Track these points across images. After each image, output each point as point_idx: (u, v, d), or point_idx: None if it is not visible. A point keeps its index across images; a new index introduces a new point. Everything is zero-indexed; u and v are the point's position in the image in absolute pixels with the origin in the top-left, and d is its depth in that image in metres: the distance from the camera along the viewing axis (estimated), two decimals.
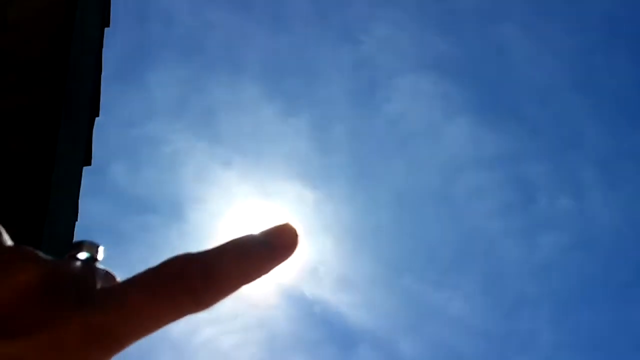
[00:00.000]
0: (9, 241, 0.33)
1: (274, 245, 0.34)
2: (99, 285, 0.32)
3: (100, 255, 0.35)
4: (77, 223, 3.59)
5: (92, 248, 0.35)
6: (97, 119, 3.65)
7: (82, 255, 0.34)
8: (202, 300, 0.31)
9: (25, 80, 3.35)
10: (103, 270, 0.34)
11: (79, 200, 3.51)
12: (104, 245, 0.36)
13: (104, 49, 3.66)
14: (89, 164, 3.39)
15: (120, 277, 0.34)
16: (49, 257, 0.32)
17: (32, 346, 0.28)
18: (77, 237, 3.53)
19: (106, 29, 3.72)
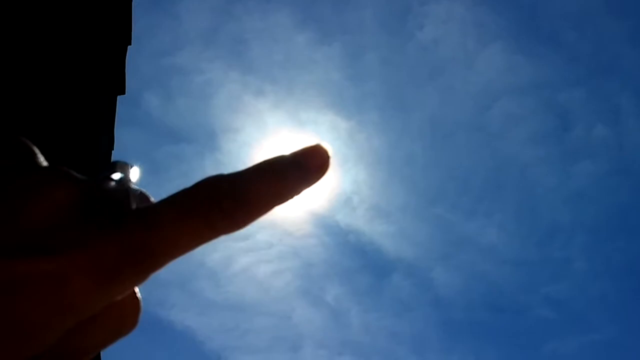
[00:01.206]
0: (44, 162, 0.34)
1: (306, 166, 0.34)
2: (133, 205, 0.33)
3: (133, 175, 0.36)
4: (113, 152, 3.64)
5: (126, 168, 0.36)
6: (129, 47, 3.64)
7: (116, 176, 0.35)
8: (234, 219, 0.32)
9: (58, 12, 3.34)
10: (137, 189, 0.35)
11: (115, 130, 3.54)
12: (138, 169, 0.37)
13: None
14: (123, 92, 3.40)
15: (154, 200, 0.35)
16: (84, 177, 0.32)
17: (71, 263, 0.28)
18: None
19: None
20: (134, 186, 0.35)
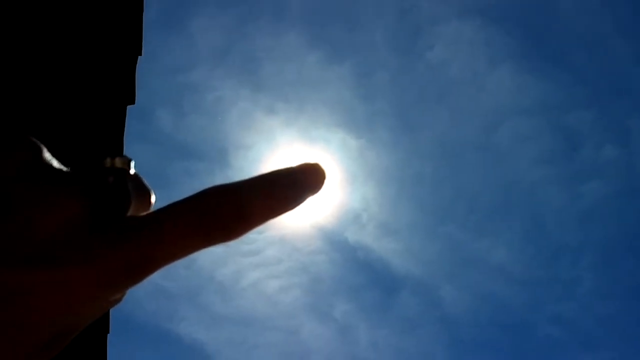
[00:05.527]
0: (55, 163, 0.36)
1: (302, 184, 0.36)
2: (134, 206, 0.36)
3: (131, 169, 0.38)
4: None
5: (125, 162, 0.38)
6: (140, 60, 3.64)
7: (117, 165, 0.37)
8: (231, 233, 0.34)
9: (66, 20, 3.35)
10: (136, 183, 0.37)
11: (125, 142, 3.54)
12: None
13: None
14: (133, 102, 3.40)
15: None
16: (89, 182, 0.34)
17: (78, 276, 0.31)
18: None
19: None
20: (131, 174, 0.37)
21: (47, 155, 0.36)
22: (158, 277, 0.35)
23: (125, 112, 3.32)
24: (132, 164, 0.38)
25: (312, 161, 0.36)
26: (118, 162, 0.37)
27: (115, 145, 3.30)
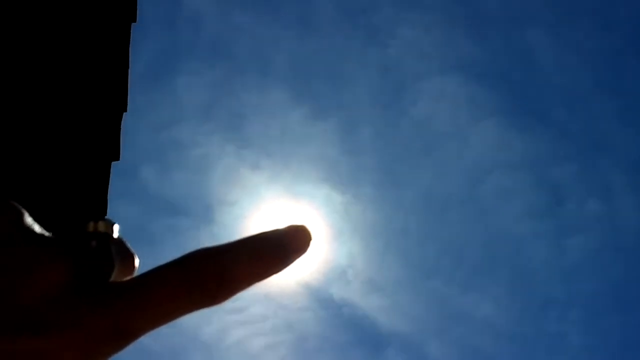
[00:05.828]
0: (36, 228, 0.35)
1: (288, 247, 0.36)
2: (117, 270, 0.35)
3: (115, 233, 0.38)
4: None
5: (108, 226, 0.37)
6: (125, 116, 3.65)
7: (100, 229, 0.37)
8: (215, 297, 0.34)
9: (52, 76, 3.36)
10: (117, 240, 0.37)
11: (109, 198, 3.51)
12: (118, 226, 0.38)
13: (132, 47, 3.66)
14: (118, 159, 3.39)
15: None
16: (72, 246, 0.34)
17: (64, 342, 0.31)
18: None
19: (133, 24, 3.71)
20: (116, 239, 0.37)
21: (29, 219, 0.35)
22: (141, 337, 0.34)
23: (110, 168, 3.31)
24: (116, 227, 0.38)
25: (298, 223, 0.36)
26: (101, 226, 0.37)
27: (99, 202, 3.27)
